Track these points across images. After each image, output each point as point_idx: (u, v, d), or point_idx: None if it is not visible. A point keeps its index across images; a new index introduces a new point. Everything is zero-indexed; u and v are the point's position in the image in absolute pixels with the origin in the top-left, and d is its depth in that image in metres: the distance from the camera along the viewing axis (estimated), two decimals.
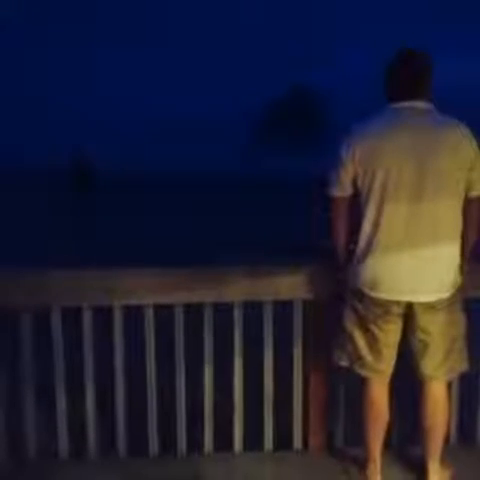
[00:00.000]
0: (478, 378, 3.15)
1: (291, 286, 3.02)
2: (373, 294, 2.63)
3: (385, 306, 2.63)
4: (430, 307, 2.61)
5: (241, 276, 3.01)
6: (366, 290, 2.65)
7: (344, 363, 2.80)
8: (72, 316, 2.98)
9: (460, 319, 2.72)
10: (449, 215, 2.58)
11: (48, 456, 3.06)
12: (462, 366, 2.75)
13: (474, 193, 2.62)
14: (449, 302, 2.63)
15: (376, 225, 2.60)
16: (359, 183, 2.65)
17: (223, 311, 3.07)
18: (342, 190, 2.71)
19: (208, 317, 3.05)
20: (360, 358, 2.73)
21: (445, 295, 2.60)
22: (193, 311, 3.04)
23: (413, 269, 2.57)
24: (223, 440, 3.15)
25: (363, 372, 2.74)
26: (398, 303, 2.62)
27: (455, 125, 2.57)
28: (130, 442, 3.09)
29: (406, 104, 2.60)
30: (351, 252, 2.74)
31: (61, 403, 3.02)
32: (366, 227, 2.63)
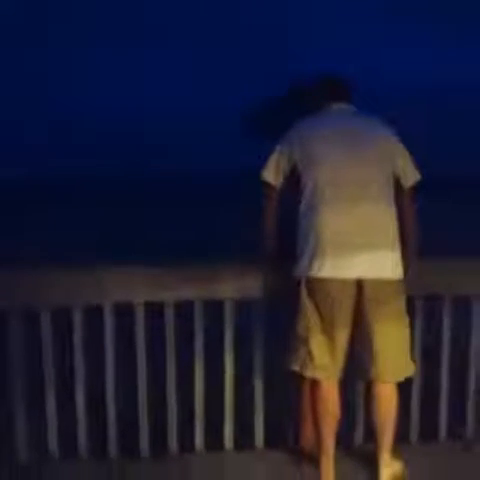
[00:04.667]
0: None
1: (282, 284, 3.01)
2: (324, 274, 2.64)
3: (336, 290, 2.64)
4: (381, 300, 2.65)
5: (232, 273, 3.02)
6: (318, 273, 2.65)
7: (296, 367, 2.78)
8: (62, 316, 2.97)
9: (407, 320, 2.77)
10: (384, 205, 2.73)
11: (39, 457, 3.04)
12: (409, 370, 2.80)
13: (403, 183, 2.82)
14: (399, 294, 2.71)
15: (318, 211, 2.69)
16: (299, 171, 2.79)
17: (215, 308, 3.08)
18: (275, 177, 2.86)
19: (199, 315, 3.05)
20: (312, 360, 2.72)
21: (396, 276, 2.68)
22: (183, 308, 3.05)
23: (363, 246, 2.64)
24: (214, 439, 3.15)
25: (315, 373, 2.74)
26: (351, 285, 2.64)
27: (376, 122, 2.90)
28: (121, 442, 3.08)
29: (335, 106, 2.94)
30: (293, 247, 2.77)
31: (51, 405, 3.00)
32: (308, 213, 2.72)
